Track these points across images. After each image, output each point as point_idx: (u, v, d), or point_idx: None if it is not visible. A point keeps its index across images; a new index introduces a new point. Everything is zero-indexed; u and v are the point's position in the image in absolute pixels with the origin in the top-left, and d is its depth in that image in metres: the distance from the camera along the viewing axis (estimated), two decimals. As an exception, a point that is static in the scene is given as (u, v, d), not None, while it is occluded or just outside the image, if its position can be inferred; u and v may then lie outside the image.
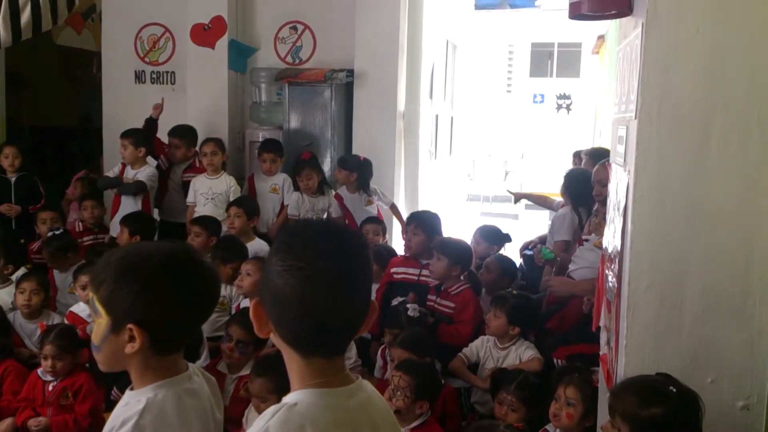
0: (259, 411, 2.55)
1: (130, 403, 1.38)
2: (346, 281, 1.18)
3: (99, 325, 1.39)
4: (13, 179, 5.13)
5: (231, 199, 4.95)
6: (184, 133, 5.34)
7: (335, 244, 1.19)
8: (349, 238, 1.24)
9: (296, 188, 5.13)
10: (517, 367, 3.00)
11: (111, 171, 5.28)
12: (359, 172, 5.09)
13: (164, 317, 1.36)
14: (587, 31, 13.69)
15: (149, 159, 5.24)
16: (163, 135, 5.41)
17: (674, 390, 1.79)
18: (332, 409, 1.19)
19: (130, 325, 1.34)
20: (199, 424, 1.43)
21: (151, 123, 5.35)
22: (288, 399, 1.20)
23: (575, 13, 2.20)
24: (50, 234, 4.40)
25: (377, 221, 4.86)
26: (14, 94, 7.43)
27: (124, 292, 1.35)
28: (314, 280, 1.15)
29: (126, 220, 4.45)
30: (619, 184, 2.14)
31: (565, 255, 3.84)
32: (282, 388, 1.29)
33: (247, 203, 4.72)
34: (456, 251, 3.68)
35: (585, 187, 3.94)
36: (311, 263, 1.15)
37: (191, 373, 1.47)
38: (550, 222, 4.66)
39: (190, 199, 5.08)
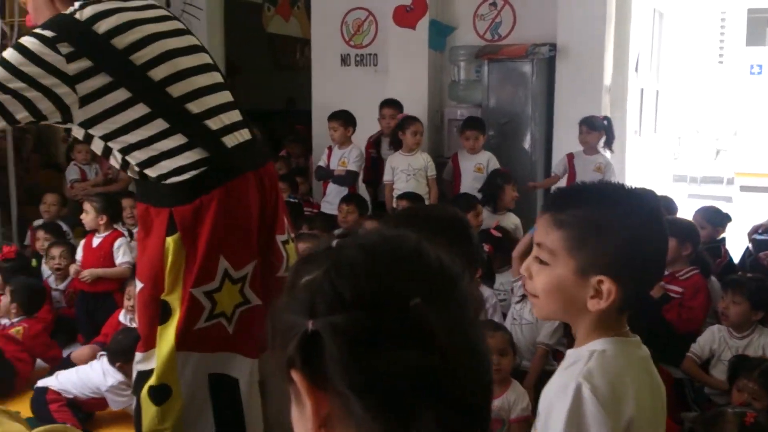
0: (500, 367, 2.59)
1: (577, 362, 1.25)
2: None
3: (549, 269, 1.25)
4: None
5: (429, 175, 5.11)
6: (398, 103, 5.50)
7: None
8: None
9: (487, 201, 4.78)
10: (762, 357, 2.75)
11: (321, 159, 5.52)
12: (607, 132, 5.17)
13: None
14: (815, -8, 12.21)
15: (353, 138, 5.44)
16: (366, 114, 5.58)
17: None
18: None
19: (600, 277, 1.21)
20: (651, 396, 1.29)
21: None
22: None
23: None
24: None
25: None
26: (228, 80, 8.03)
27: (606, 242, 1.21)
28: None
29: (350, 200, 4.87)
30: None
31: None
32: None
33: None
34: (683, 229, 3.44)
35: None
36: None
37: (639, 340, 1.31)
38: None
39: (387, 177, 5.20)
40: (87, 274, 4.03)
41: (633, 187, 1.32)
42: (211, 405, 2.11)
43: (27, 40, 1.92)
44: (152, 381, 2.06)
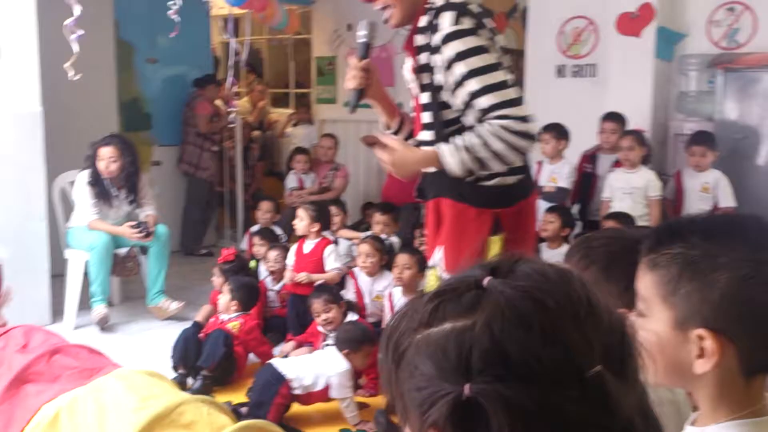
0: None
1: None
2: None
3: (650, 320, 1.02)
4: None
5: (650, 195, 4.72)
6: (620, 117, 5.17)
7: None
8: None
9: None
10: None
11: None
12: None
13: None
14: None
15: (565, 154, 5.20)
16: (582, 127, 5.30)
17: None
18: None
19: (699, 331, 0.95)
20: None
21: None
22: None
23: None
24: None
25: None
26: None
27: (708, 285, 0.96)
28: None
29: (553, 209, 4.70)
30: None
31: None
32: None
33: None
34: None
35: None
36: None
37: None
38: None
39: (605, 194, 4.91)
40: (304, 276, 4.20)
41: (761, 217, 1.02)
42: None
43: (474, 40, 2.12)
44: None
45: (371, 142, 6.35)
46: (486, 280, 0.66)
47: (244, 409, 3.14)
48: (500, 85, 2.12)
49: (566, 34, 6.19)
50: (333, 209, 4.87)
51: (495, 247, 2.14)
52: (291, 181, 6.09)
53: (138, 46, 6.17)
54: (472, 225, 2.18)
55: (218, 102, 6.54)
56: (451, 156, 2.13)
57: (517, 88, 2.18)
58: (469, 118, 2.19)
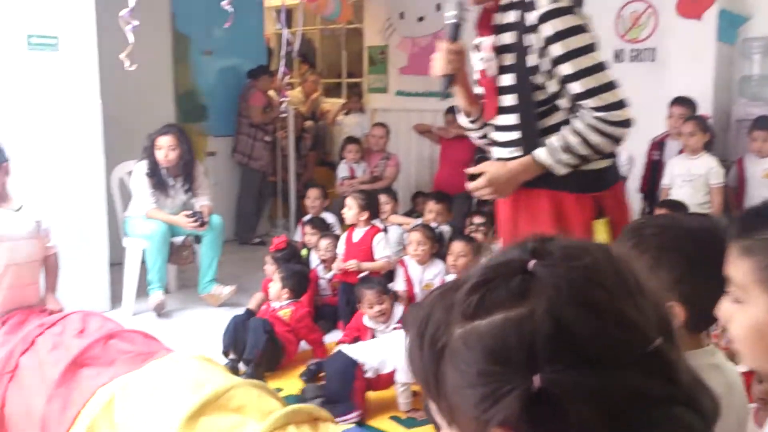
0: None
1: None
2: None
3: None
4: None
5: (711, 182, 4.57)
6: (689, 102, 5.04)
7: None
8: None
9: None
10: None
11: None
12: None
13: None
14: None
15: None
16: (640, 113, 5.15)
17: None
18: None
19: None
20: None
21: None
22: None
23: None
24: None
25: None
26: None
27: None
28: None
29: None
30: None
31: None
32: None
33: None
34: None
35: None
36: None
37: None
38: None
39: (665, 181, 4.79)
40: (354, 263, 4.21)
41: None
42: None
43: (573, 19, 2.04)
44: None
45: (422, 131, 6.33)
46: (531, 264, 0.63)
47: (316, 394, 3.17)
48: (595, 68, 2.03)
49: (624, 17, 6.03)
50: (383, 197, 4.85)
51: (601, 230, 2.08)
52: (342, 170, 6.11)
53: (194, 38, 6.27)
54: (573, 211, 2.11)
55: (271, 93, 6.59)
56: (549, 158, 2.07)
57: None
58: (564, 101, 2.12)
